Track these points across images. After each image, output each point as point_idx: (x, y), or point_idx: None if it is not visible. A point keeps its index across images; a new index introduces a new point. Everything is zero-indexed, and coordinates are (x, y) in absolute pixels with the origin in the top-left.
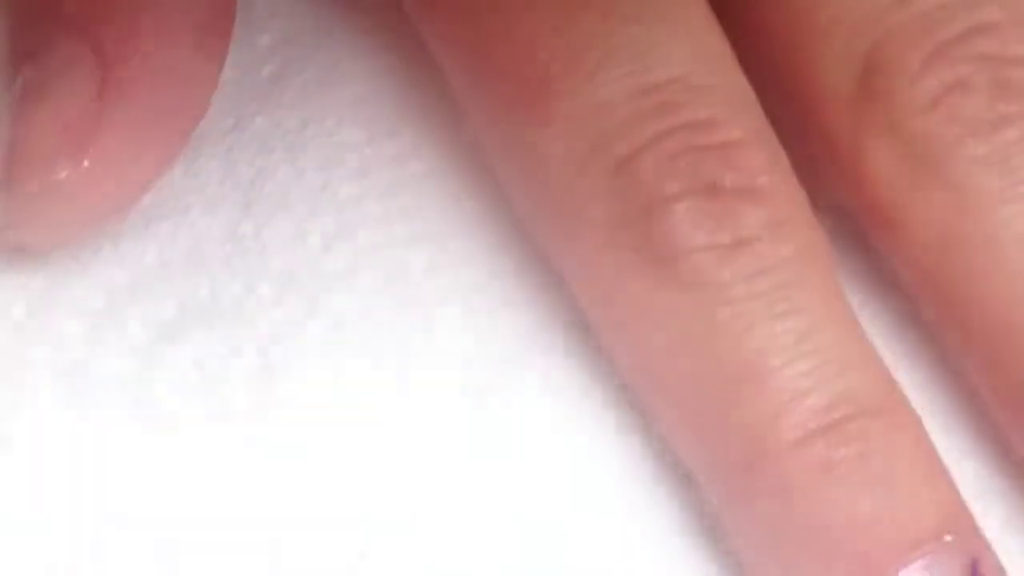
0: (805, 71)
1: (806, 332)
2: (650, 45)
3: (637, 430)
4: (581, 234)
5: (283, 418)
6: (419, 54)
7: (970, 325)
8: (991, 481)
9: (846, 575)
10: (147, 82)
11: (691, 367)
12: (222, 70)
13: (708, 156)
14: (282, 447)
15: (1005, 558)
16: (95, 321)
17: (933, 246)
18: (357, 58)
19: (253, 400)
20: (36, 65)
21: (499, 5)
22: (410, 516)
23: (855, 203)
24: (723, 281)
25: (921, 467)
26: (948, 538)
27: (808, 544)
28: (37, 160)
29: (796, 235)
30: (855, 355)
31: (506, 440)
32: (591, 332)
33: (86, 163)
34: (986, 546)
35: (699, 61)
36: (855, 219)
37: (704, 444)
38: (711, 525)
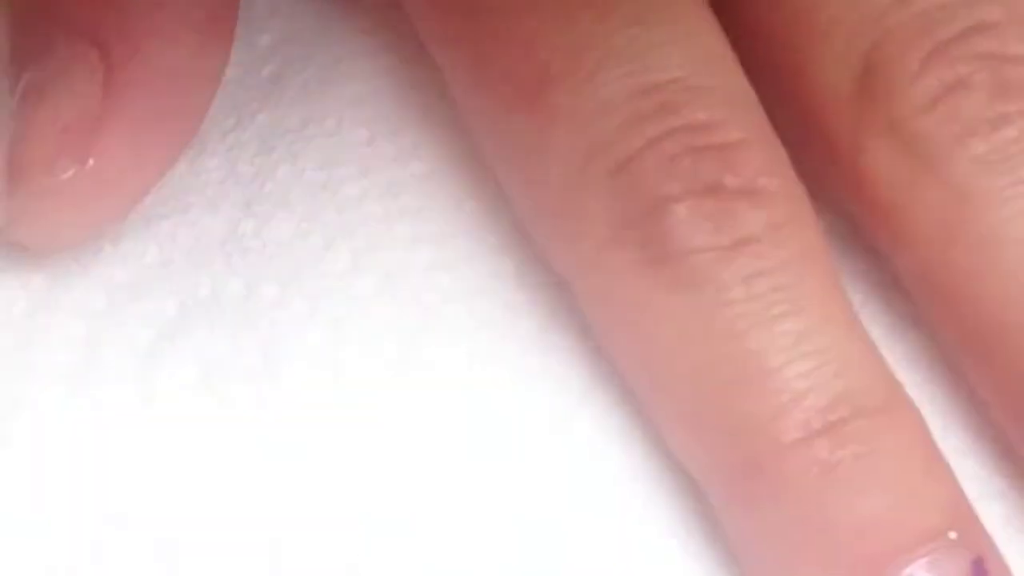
0: (805, 71)
1: (805, 333)
2: (650, 46)
3: (637, 431)
4: (581, 235)
5: (283, 418)
6: (419, 54)
7: (969, 324)
8: (991, 481)
9: (849, 575)
10: (149, 82)
11: (690, 368)
12: (225, 70)
13: (708, 157)
14: (282, 447)
15: (1005, 558)
16: (96, 321)
17: (933, 245)
18: (357, 58)
19: (254, 399)
20: (38, 65)
21: (499, 6)
22: (410, 516)
23: (855, 203)
24: (722, 282)
25: (923, 465)
26: (952, 535)
27: (810, 545)
28: (39, 160)
29: (796, 236)
30: (855, 355)
31: (506, 440)
32: (591, 332)
33: (88, 163)
34: (990, 543)
35: (699, 62)
36: (855, 219)
37: (704, 445)
38: (711, 526)
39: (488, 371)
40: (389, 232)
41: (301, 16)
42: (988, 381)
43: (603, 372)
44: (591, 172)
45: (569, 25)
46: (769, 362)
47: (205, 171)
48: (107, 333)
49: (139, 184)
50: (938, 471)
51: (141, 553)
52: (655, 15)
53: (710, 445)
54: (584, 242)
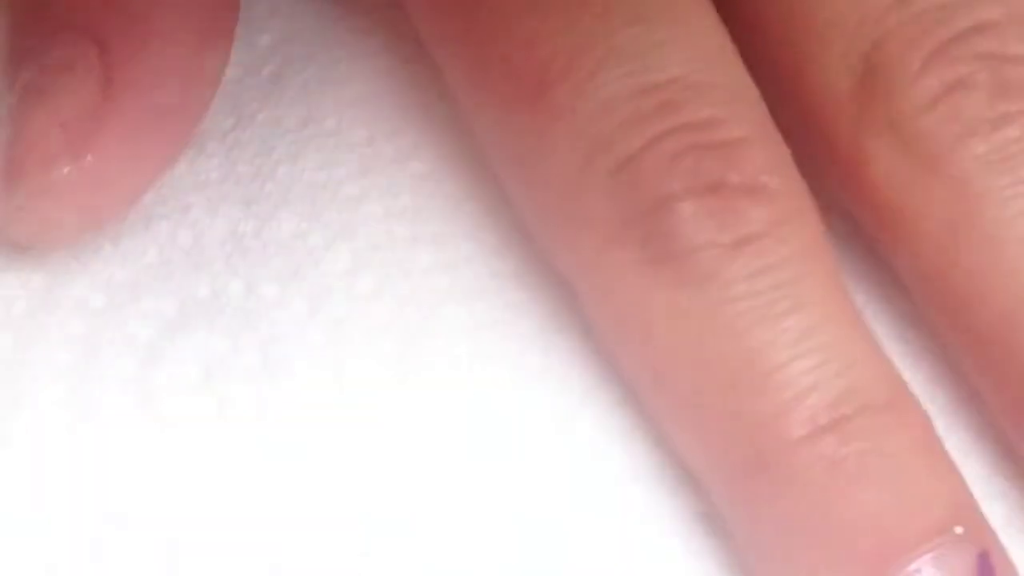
0: (805, 71)
1: (809, 329)
2: (651, 44)
3: (638, 430)
4: (583, 234)
5: (283, 418)
6: (419, 54)
7: (971, 324)
8: (992, 481)
9: (856, 571)
10: (149, 81)
11: (693, 365)
12: (225, 69)
13: (710, 155)
14: (282, 447)
15: None
16: (96, 320)
17: (934, 245)
18: (357, 58)
19: (254, 399)
20: (37, 63)
21: (499, 5)
22: (410, 516)
23: (856, 203)
24: (726, 279)
25: (928, 461)
26: (958, 530)
27: (816, 541)
28: (38, 158)
29: (799, 233)
30: (859, 351)
31: (506, 440)
32: (592, 332)
33: (87, 161)
34: (995, 539)
35: (701, 60)
36: (856, 218)
37: (707, 443)
38: (713, 526)
39: (488, 371)
40: (389, 232)
41: (301, 16)
42: (989, 381)
43: (604, 372)
44: (593, 171)
45: (570, 24)
46: (773, 359)
47: (205, 171)
48: (107, 333)
49: (137, 183)
50: (943, 467)
51: (141, 553)
52: (656, 13)
53: (714, 443)
54: (586, 241)
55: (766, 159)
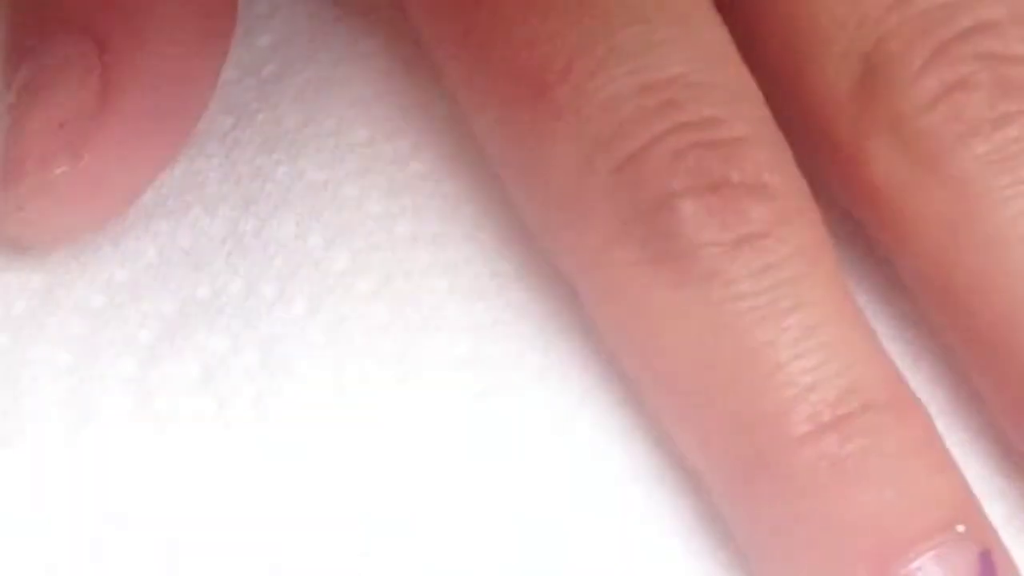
0: (806, 70)
1: (810, 328)
2: (652, 44)
3: (638, 430)
4: (585, 232)
5: (283, 418)
6: (419, 54)
7: (971, 324)
8: (992, 480)
9: (858, 568)
10: (146, 80)
11: (696, 363)
12: (222, 69)
13: (713, 153)
14: (282, 447)
15: None
16: (96, 320)
17: (934, 245)
18: (357, 58)
19: (254, 399)
20: (37, 62)
21: (499, 6)
22: (411, 516)
23: (856, 202)
24: (727, 278)
25: (930, 459)
26: (960, 528)
27: (818, 539)
28: (37, 158)
29: (801, 232)
30: (861, 349)
31: (506, 440)
32: (592, 331)
33: (84, 160)
34: (997, 537)
35: (703, 58)
36: (856, 218)
37: (708, 442)
38: (713, 526)
39: (488, 371)
40: (389, 232)
41: (301, 17)
42: (989, 380)
43: (604, 372)
44: (594, 170)
45: (570, 24)
46: (774, 358)
47: (205, 171)
48: (107, 333)
49: (136, 183)
50: (944, 466)
51: (141, 553)
52: (657, 13)
53: (716, 441)
54: (588, 239)
55: (767, 158)
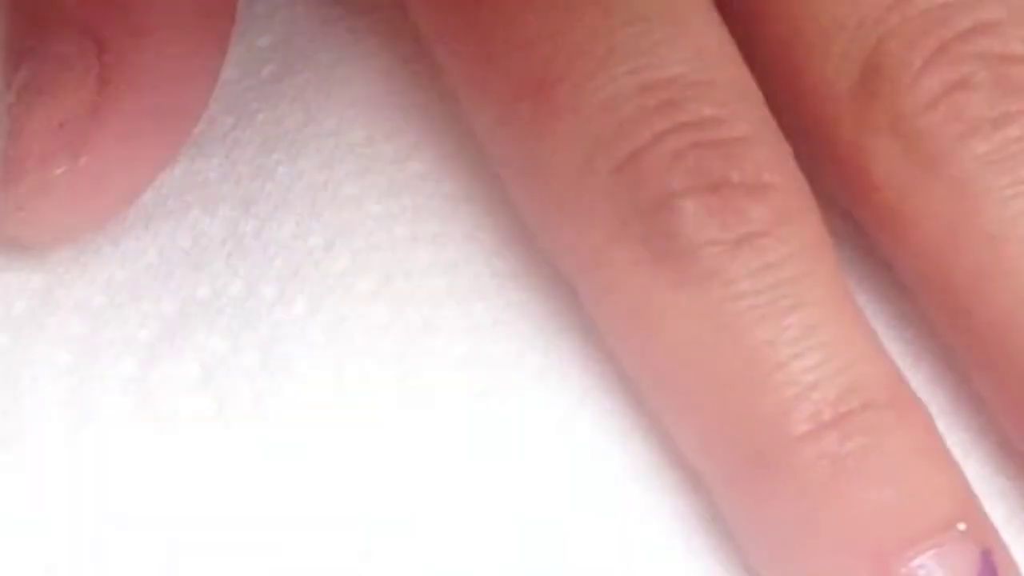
0: (805, 70)
1: (812, 326)
2: (653, 42)
3: (638, 430)
4: (584, 231)
5: (283, 418)
6: (419, 54)
7: (971, 324)
8: (992, 480)
9: (859, 567)
10: (145, 79)
11: (696, 363)
12: (221, 69)
13: (712, 153)
14: (282, 447)
15: None
16: (96, 320)
17: (934, 245)
18: (357, 58)
19: (254, 400)
20: (35, 61)
21: (500, 4)
22: (411, 516)
23: (856, 202)
24: (727, 278)
25: (931, 458)
26: (961, 527)
27: (819, 537)
28: (35, 157)
29: (801, 231)
30: (862, 349)
31: (506, 440)
32: (592, 331)
33: (83, 160)
34: (997, 536)
35: (702, 58)
36: (856, 218)
37: (708, 441)
38: (714, 526)
39: (488, 371)
40: (389, 232)
41: (301, 16)
42: (990, 380)
43: (604, 372)
44: (594, 170)
45: (571, 23)
46: (774, 357)
47: (205, 171)
48: (107, 333)
49: (135, 182)
50: (945, 464)
51: (141, 553)
52: (657, 12)
53: (717, 440)
54: (588, 239)
55: (767, 158)
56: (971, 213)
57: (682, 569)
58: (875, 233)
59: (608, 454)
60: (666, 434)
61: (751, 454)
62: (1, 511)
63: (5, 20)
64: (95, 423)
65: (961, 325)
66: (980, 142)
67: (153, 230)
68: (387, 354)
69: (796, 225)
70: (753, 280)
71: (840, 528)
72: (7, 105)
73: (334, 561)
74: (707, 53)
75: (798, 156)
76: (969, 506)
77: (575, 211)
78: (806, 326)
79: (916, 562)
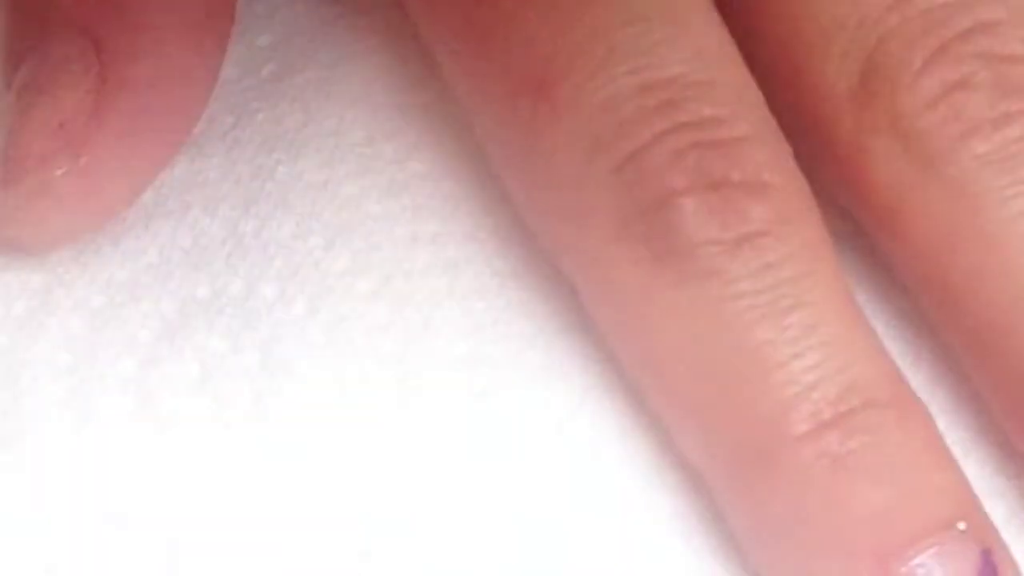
0: (805, 70)
1: (812, 325)
2: (653, 42)
3: (638, 429)
4: (585, 231)
5: (283, 418)
6: (419, 54)
7: (971, 323)
8: (992, 480)
9: (859, 566)
10: (145, 79)
11: (697, 362)
12: (220, 68)
13: (713, 152)
14: (282, 447)
15: None
16: (95, 320)
17: (934, 245)
18: (357, 58)
19: (254, 399)
20: (34, 61)
21: (500, 4)
22: (411, 516)
23: (855, 202)
24: (727, 277)
25: (931, 457)
26: (961, 526)
27: (819, 536)
28: (34, 157)
29: (801, 231)
30: (862, 348)
31: (506, 440)
32: (593, 331)
33: (83, 160)
34: (997, 536)
35: (703, 58)
36: (856, 218)
37: (711, 439)
38: (714, 525)
39: (488, 371)
40: (389, 232)
41: (301, 16)
42: (989, 380)
43: (604, 371)
44: (595, 168)
45: (572, 22)
46: (777, 355)
47: (205, 171)
48: (107, 333)
49: (135, 182)
50: (946, 463)
51: (141, 553)
52: (657, 12)
53: (718, 439)
54: (588, 238)
55: (767, 157)
56: (971, 213)
57: (682, 569)
58: (875, 233)
59: (608, 454)
60: (666, 434)
61: (751, 454)
62: (1, 511)
63: (5, 20)
64: (95, 423)
65: (960, 325)
66: (980, 142)
67: (153, 230)
68: (387, 354)
69: (796, 225)
70: (753, 280)
71: (840, 527)
72: (7, 105)
73: (334, 561)
74: (707, 53)
75: (798, 156)
76: (969, 505)
77: (575, 210)
78: (806, 326)
79: (916, 561)
